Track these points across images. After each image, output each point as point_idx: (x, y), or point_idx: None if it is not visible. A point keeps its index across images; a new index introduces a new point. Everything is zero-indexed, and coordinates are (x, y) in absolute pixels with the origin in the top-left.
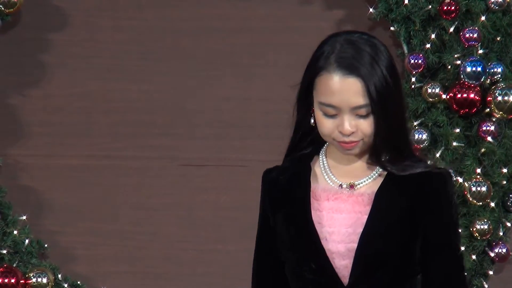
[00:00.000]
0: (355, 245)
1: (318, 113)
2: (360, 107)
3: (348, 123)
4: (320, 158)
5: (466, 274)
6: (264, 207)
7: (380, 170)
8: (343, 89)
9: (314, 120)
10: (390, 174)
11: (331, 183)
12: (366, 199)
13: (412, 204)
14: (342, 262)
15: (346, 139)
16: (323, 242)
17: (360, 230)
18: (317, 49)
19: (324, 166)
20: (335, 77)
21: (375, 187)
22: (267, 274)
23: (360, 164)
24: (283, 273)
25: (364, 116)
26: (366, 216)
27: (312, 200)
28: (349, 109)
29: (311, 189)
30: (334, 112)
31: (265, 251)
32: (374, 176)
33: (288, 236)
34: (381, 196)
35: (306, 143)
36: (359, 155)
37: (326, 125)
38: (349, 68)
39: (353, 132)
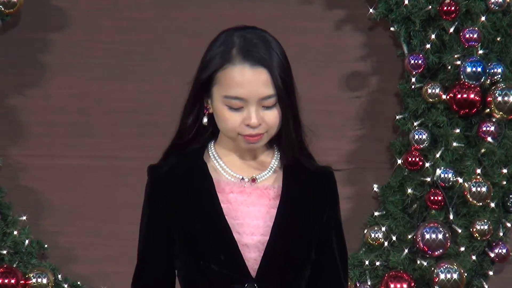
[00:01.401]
0: (266, 238)
1: (221, 108)
2: (268, 97)
3: (255, 114)
4: (211, 154)
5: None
6: (154, 204)
7: (276, 163)
8: (251, 80)
9: (208, 119)
10: (288, 168)
11: (230, 178)
12: (272, 193)
13: (312, 201)
14: (252, 255)
15: (253, 131)
16: (234, 234)
17: (270, 223)
18: (209, 47)
19: (217, 162)
20: (242, 68)
21: (278, 181)
22: (156, 276)
23: (254, 158)
24: (172, 272)
25: (269, 108)
26: (275, 210)
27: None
28: (257, 100)
29: (214, 182)
30: (241, 104)
31: (155, 252)
32: (272, 170)
33: (194, 229)
34: (287, 190)
35: (190, 139)
36: (253, 150)
37: (231, 120)
38: (255, 59)
39: (259, 124)
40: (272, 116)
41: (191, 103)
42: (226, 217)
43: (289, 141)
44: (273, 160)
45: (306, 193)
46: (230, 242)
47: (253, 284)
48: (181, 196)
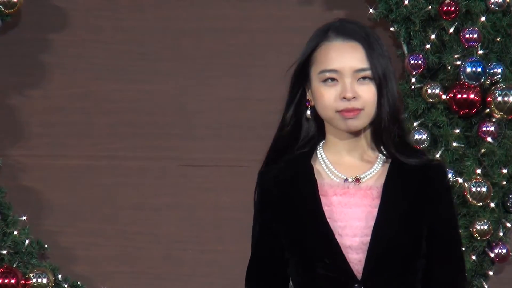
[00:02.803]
0: (368, 239)
1: (318, 86)
2: (362, 70)
3: (350, 87)
4: (319, 155)
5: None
6: (263, 209)
7: (381, 162)
8: (345, 52)
9: (311, 111)
10: (393, 165)
11: (335, 179)
12: (375, 193)
13: (419, 196)
14: (356, 256)
15: (349, 105)
16: (337, 237)
17: (372, 223)
18: (311, 37)
19: (325, 162)
20: (335, 43)
21: (381, 179)
22: (269, 279)
23: (360, 157)
24: (284, 276)
25: (365, 82)
26: (376, 209)
27: (320, 196)
28: (351, 73)
29: (318, 185)
30: (336, 77)
31: (265, 255)
32: (377, 168)
33: (299, 234)
34: (389, 189)
35: (300, 142)
36: (358, 147)
37: (327, 95)
38: (350, 34)
39: (354, 98)
40: (369, 92)
41: (292, 93)
42: (328, 220)
43: (379, 126)
44: (378, 160)
45: (410, 189)
46: (332, 245)
47: (360, 286)
48: (285, 201)
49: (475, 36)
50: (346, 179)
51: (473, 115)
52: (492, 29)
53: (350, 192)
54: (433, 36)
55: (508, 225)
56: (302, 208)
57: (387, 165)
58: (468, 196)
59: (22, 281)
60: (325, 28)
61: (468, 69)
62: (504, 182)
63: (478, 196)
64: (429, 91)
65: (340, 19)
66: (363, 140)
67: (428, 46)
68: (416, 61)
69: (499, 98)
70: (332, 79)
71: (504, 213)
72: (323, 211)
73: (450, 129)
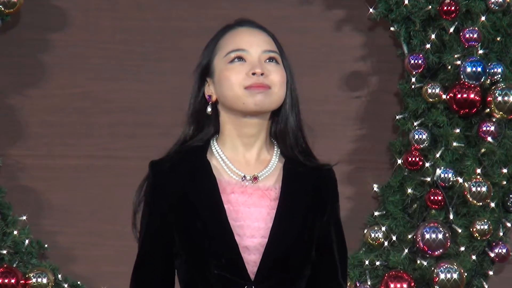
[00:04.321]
0: (265, 240)
1: (223, 69)
2: (270, 51)
3: (259, 63)
4: (215, 150)
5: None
6: (156, 201)
7: (276, 162)
8: (251, 34)
9: (211, 108)
10: (287, 167)
11: (233, 176)
12: (273, 194)
13: (312, 200)
14: (252, 257)
15: (257, 80)
16: (235, 236)
17: (270, 225)
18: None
19: (222, 158)
20: (241, 29)
21: (278, 181)
22: (157, 274)
23: (257, 155)
24: (172, 271)
25: (273, 64)
26: (274, 211)
27: None
28: (259, 52)
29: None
30: (243, 55)
31: (156, 247)
32: (273, 167)
33: (196, 230)
34: (287, 191)
35: (196, 137)
36: (255, 144)
37: (234, 72)
38: (253, 23)
39: (263, 74)
40: (276, 71)
41: (196, 90)
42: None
43: (284, 123)
44: (273, 157)
45: (306, 193)
46: (231, 245)
47: (252, 286)
48: (183, 195)
49: (475, 36)
50: (244, 177)
51: (473, 115)
52: (492, 29)
53: (248, 192)
54: (433, 36)
55: (508, 225)
56: (201, 204)
57: (281, 165)
58: (468, 196)
59: (22, 281)
60: (229, 24)
61: (468, 69)
62: (504, 182)
63: (478, 196)
64: (429, 91)
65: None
66: (261, 137)
67: (428, 46)
68: (416, 61)
69: (499, 98)
70: (240, 58)
71: (504, 213)
72: (224, 209)
73: (450, 129)
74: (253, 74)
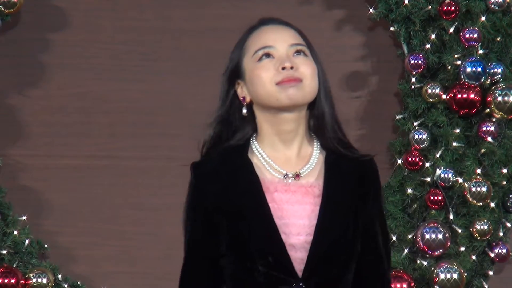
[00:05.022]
0: (311, 238)
1: (253, 68)
2: (297, 44)
3: (287, 57)
4: (255, 149)
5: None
6: (200, 201)
7: (317, 157)
8: (277, 30)
9: (247, 109)
10: (329, 161)
11: (275, 174)
12: (317, 190)
13: (355, 192)
14: (299, 255)
15: (288, 74)
16: (281, 235)
17: (315, 222)
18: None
19: (262, 156)
20: (265, 27)
21: (320, 176)
22: (204, 275)
23: (297, 151)
24: (219, 271)
25: (301, 57)
26: (318, 208)
27: None
28: (287, 46)
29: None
30: (271, 51)
31: (202, 248)
32: (314, 163)
33: (241, 229)
34: (329, 187)
35: (234, 138)
36: (295, 140)
37: (264, 70)
38: (278, 20)
39: (292, 68)
40: (305, 63)
41: (225, 93)
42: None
43: (320, 113)
44: (314, 152)
45: (348, 186)
46: (277, 243)
47: (300, 284)
48: (226, 195)
49: (475, 36)
50: (286, 175)
51: (473, 115)
52: (492, 29)
53: (292, 189)
54: (433, 36)
55: (508, 225)
56: (246, 203)
57: (322, 159)
58: (468, 196)
59: (22, 281)
60: (252, 25)
61: (468, 69)
62: (504, 182)
63: (478, 196)
64: (429, 91)
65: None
66: (300, 133)
67: (428, 46)
68: (416, 61)
69: (499, 98)
70: (268, 55)
71: (504, 213)
72: (269, 208)
73: (450, 129)
74: (283, 69)
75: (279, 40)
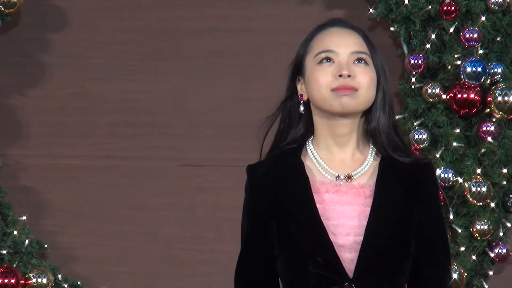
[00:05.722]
0: (361, 238)
1: (312, 70)
2: (359, 52)
3: (346, 65)
4: (309, 151)
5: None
6: (253, 204)
7: (372, 159)
8: (341, 34)
9: (304, 107)
10: (384, 163)
11: (327, 175)
12: (368, 191)
13: (409, 195)
14: (348, 255)
15: (344, 82)
16: (330, 235)
17: (365, 222)
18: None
19: (316, 159)
20: (331, 29)
21: (373, 178)
22: (259, 276)
23: (351, 154)
24: (274, 273)
25: (361, 65)
26: (369, 208)
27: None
28: (348, 53)
29: (310, 182)
30: (332, 56)
31: (256, 251)
32: (368, 165)
33: (291, 231)
34: (381, 188)
35: (289, 138)
36: (349, 143)
37: (322, 74)
38: (348, 24)
39: (350, 76)
40: (365, 74)
41: (288, 90)
42: (321, 218)
43: (376, 122)
44: (368, 155)
45: (402, 188)
46: (326, 244)
47: (351, 284)
48: (277, 197)
49: (475, 35)
50: (338, 176)
51: (473, 115)
52: (492, 29)
53: (342, 190)
54: (433, 36)
55: (508, 225)
56: (294, 204)
57: (377, 163)
58: (468, 196)
59: (22, 281)
60: (321, 23)
61: (468, 69)
62: (504, 182)
63: (478, 196)
64: (429, 91)
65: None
66: (354, 137)
67: (428, 46)
68: (416, 61)
69: (499, 98)
70: (328, 59)
71: (504, 213)
72: (316, 209)
73: (450, 129)
74: (340, 75)
75: (342, 46)
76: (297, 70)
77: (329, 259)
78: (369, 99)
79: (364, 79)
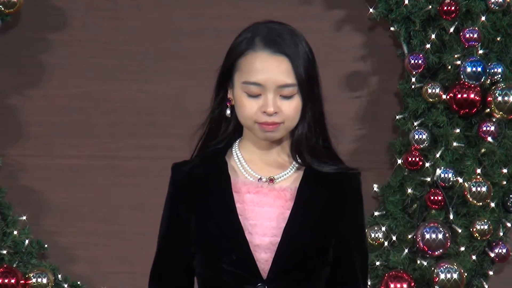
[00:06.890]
0: (278, 239)
1: (240, 95)
2: (286, 85)
3: (272, 102)
4: (234, 153)
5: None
6: (173, 203)
7: (296, 165)
8: (270, 66)
9: (231, 111)
10: (309, 170)
11: (249, 177)
12: (288, 194)
13: (331, 204)
14: (264, 255)
15: (269, 119)
16: (246, 234)
17: (283, 224)
18: (237, 36)
19: (239, 160)
20: (261, 55)
21: (296, 182)
22: (174, 275)
23: (275, 159)
24: (190, 272)
25: (288, 98)
26: (289, 211)
27: (233, 193)
28: (275, 88)
29: (231, 182)
30: (258, 91)
31: (173, 248)
32: (292, 171)
33: (209, 228)
34: (303, 192)
35: (218, 139)
36: (274, 149)
37: (248, 106)
38: (277, 47)
39: (276, 113)
40: (290, 107)
41: (216, 93)
42: (240, 217)
43: (298, 137)
44: (293, 162)
45: (324, 195)
46: (241, 242)
47: (264, 285)
48: (198, 195)
49: (475, 35)
50: (260, 178)
51: (473, 115)
52: (492, 29)
53: (264, 192)
54: (433, 36)
55: (508, 225)
56: (214, 202)
57: (303, 168)
58: (468, 196)
59: (22, 281)
60: (252, 34)
61: (468, 69)
62: (504, 182)
63: (478, 196)
64: (429, 91)
65: (267, 21)
66: (281, 142)
67: (428, 45)
68: (416, 61)
69: (499, 98)
70: (255, 94)
71: (504, 213)
72: (235, 207)
73: (450, 129)
74: (265, 112)
75: (269, 81)
76: (227, 77)
77: (244, 258)
78: (293, 125)
79: (289, 112)
